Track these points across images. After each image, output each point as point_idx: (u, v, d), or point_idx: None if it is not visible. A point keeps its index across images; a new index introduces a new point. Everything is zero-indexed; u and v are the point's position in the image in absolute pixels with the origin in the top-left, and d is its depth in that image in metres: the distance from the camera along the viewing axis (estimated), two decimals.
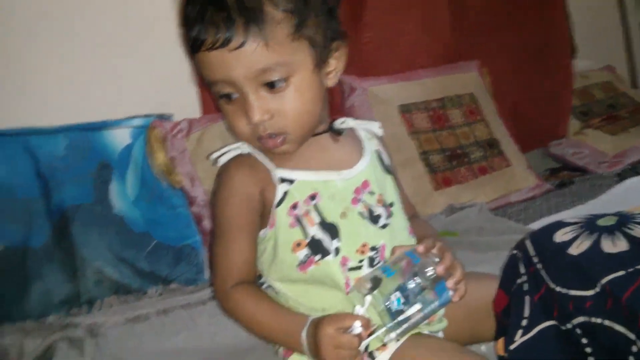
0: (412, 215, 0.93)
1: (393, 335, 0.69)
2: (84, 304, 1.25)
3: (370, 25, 1.79)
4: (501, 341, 0.69)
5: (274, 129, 0.76)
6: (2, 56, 1.32)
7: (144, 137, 1.38)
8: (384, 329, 0.68)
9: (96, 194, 1.30)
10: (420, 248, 0.73)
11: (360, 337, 0.67)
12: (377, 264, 0.78)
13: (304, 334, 0.71)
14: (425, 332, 0.77)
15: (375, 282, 0.70)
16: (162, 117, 1.43)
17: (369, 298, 0.70)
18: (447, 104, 1.78)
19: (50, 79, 1.36)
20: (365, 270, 0.77)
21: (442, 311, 0.80)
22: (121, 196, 1.33)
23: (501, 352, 0.69)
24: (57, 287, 1.26)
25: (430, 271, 0.70)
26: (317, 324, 0.70)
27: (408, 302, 0.68)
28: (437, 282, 0.70)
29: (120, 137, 1.35)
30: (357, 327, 0.67)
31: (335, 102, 1.66)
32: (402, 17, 1.84)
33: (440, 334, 0.81)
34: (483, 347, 0.82)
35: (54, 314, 1.22)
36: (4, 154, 1.26)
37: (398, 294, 0.68)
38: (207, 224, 1.35)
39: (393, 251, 0.77)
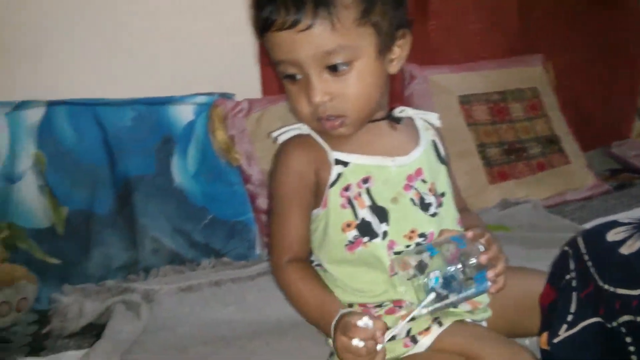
0: (463, 208, 0.93)
1: (424, 311, 0.70)
2: (141, 271, 1.31)
3: (436, 13, 1.77)
4: (545, 335, 0.70)
5: (333, 111, 0.77)
6: (77, 31, 1.39)
7: (207, 115, 1.42)
8: (413, 313, 0.70)
9: (158, 166, 1.36)
10: (469, 234, 0.74)
11: (369, 346, 0.68)
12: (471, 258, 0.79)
13: (333, 325, 0.73)
14: (468, 320, 0.78)
15: (419, 262, 0.72)
16: (225, 96, 1.47)
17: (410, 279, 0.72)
18: (509, 97, 1.75)
19: (120, 53, 1.42)
20: None
21: (487, 301, 0.81)
22: (182, 170, 1.38)
23: (544, 346, 0.69)
24: (117, 253, 1.33)
25: (473, 258, 0.71)
26: (336, 324, 0.72)
27: (445, 284, 0.70)
28: (479, 271, 0.71)
29: (184, 113, 1.40)
30: (358, 342, 0.67)
31: (396, 90, 1.66)
32: (469, 6, 1.81)
33: (484, 324, 0.82)
34: (527, 341, 0.82)
35: (113, 278, 1.29)
36: (75, 122, 1.33)
37: (438, 272, 0.70)
38: (260, 202, 1.39)
39: (441, 234, 0.78)
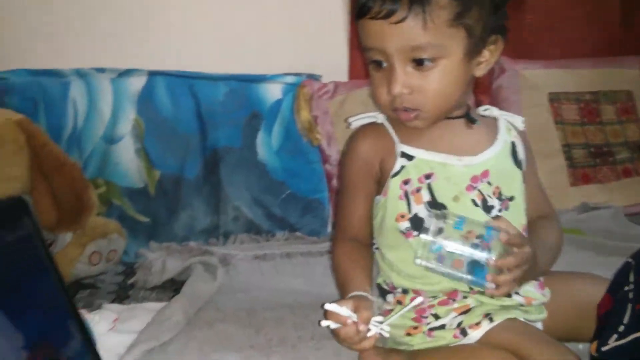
0: (543, 216, 0.92)
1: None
2: (221, 236, 1.41)
3: (535, 8, 1.73)
4: (595, 342, 0.70)
5: (410, 104, 0.79)
6: (181, 7, 1.48)
7: (294, 94, 1.48)
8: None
9: (245, 139, 1.44)
10: (504, 236, 0.74)
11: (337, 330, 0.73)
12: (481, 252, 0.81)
13: None
14: (521, 318, 0.79)
15: (439, 227, 0.75)
16: (312, 77, 1.53)
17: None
18: (601, 98, 1.69)
19: (217, 31, 1.51)
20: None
21: (543, 299, 0.82)
22: (266, 145, 1.45)
23: (593, 353, 0.70)
24: (200, 217, 1.43)
25: (483, 255, 0.73)
26: None
27: (443, 257, 0.74)
28: (482, 267, 0.73)
29: (272, 91, 1.47)
30: (325, 322, 0.73)
31: (484, 81, 1.65)
32: (569, 3, 1.76)
33: (539, 325, 0.83)
34: (580, 346, 0.82)
35: (195, 240, 1.39)
36: (172, 93, 1.43)
37: (445, 243, 0.74)
38: (336, 182, 1.44)
39: (500, 220, 0.79)
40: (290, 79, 1.49)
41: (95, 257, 1.28)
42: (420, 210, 0.82)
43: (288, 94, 1.47)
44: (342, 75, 1.59)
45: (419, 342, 0.81)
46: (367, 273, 0.85)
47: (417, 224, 0.82)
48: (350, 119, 0.90)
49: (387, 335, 0.74)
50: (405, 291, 0.85)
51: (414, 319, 0.83)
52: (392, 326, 0.84)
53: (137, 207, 1.42)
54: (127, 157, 1.41)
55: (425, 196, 0.82)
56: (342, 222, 0.90)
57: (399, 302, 0.86)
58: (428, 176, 0.83)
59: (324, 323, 0.74)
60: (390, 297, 0.87)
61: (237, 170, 1.43)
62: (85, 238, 1.28)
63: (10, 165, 1.15)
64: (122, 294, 1.19)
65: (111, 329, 0.93)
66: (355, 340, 0.73)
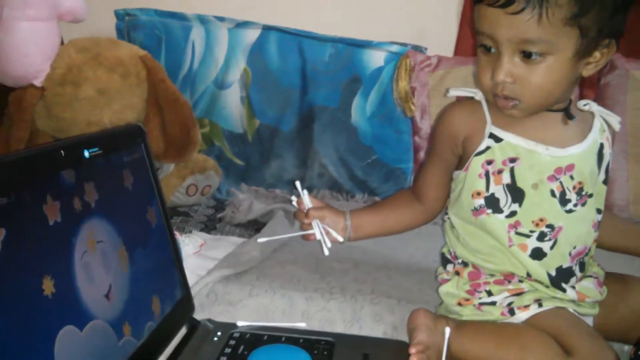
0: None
1: None
2: (305, 189, 1.49)
3: None
4: (635, 348, 0.72)
5: (510, 93, 0.80)
6: None
7: (395, 64, 1.52)
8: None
9: (341, 101, 1.50)
10: None
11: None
12: (547, 240, 0.84)
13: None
14: (571, 310, 0.82)
15: None
16: (417, 49, 1.55)
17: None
18: None
19: None
20: (531, 241, 0.84)
21: (598, 298, 0.85)
22: (360, 109, 1.51)
23: (632, 355, 0.72)
24: (289, 168, 1.53)
25: None
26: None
27: None
28: None
29: (375, 58, 1.52)
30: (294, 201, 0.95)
31: (592, 76, 1.60)
32: None
33: (590, 320, 0.85)
34: (626, 348, 0.84)
35: (280, 189, 1.49)
36: (281, 48, 1.51)
37: None
38: (422, 155, 1.48)
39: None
40: (395, 48, 1.52)
41: (192, 189, 1.41)
42: (498, 190, 0.85)
43: (390, 63, 1.51)
44: (448, 50, 1.61)
45: (468, 313, 0.87)
46: (379, 210, 0.97)
47: (492, 203, 0.86)
48: (451, 89, 0.93)
49: (329, 245, 0.91)
50: (465, 264, 0.90)
51: (468, 292, 0.88)
52: (447, 295, 0.91)
53: (234, 150, 1.54)
54: (232, 103, 1.52)
55: (506, 178, 0.85)
56: (418, 179, 0.97)
57: (457, 273, 0.91)
58: (513, 160, 0.85)
59: (293, 198, 0.96)
60: (450, 267, 0.93)
61: (329, 130, 1.50)
62: (186, 171, 1.41)
63: (132, 95, 1.28)
64: (210, 226, 1.31)
65: (196, 252, 1.04)
66: (302, 226, 0.93)
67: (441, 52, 1.56)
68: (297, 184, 0.94)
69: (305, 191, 0.94)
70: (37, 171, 0.58)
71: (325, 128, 1.50)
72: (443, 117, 0.92)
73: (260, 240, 0.97)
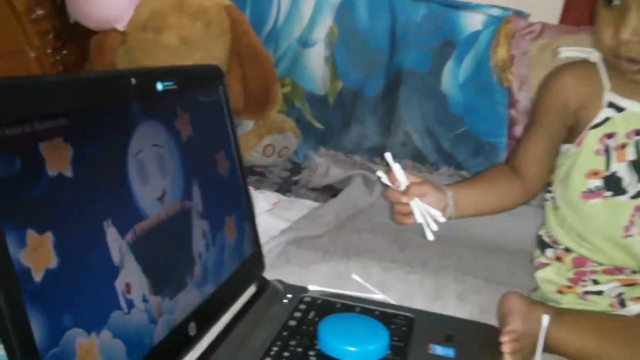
0: None
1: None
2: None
3: None
4: None
5: (636, 54, 0.70)
6: None
7: (494, 29, 1.39)
8: None
9: (432, 66, 1.40)
10: None
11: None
12: None
13: None
14: None
15: None
16: (519, 14, 1.42)
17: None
18: None
19: None
20: None
21: None
22: (452, 76, 1.40)
23: None
24: (370, 135, 1.44)
25: None
26: None
27: None
28: None
29: (472, 21, 1.39)
30: (382, 176, 0.77)
31: None
32: None
33: None
34: None
35: (360, 155, 1.41)
36: (371, 6, 1.41)
37: None
38: (517, 130, 1.36)
39: None
40: (495, 12, 1.39)
41: (269, 150, 1.36)
42: (621, 169, 0.74)
43: (489, 27, 1.39)
44: (553, 17, 1.46)
45: (569, 301, 0.76)
46: (476, 187, 0.83)
47: (612, 184, 0.74)
48: (562, 47, 0.82)
49: (434, 227, 0.75)
50: (568, 250, 0.79)
51: (571, 280, 0.77)
52: (544, 281, 0.80)
53: (314, 113, 1.47)
54: (315, 63, 1.44)
55: (630, 154, 0.74)
56: (516, 150, 0.85)
57: (558, 259, 0.80)
58: (639, 132, 0.74)
59: (378, 173, 0.78)
60: (549, 252, 0.82)
61: (416, 96, 1.40)
62: (264, 130, 1.35)
63: (214, 46, 1.24)
64: (285, 188, 1.25)
65: (269, 210, 0.99)
66: (395, 206, 0.77)
67: (545, 19, 1.42)
68: (388, 156, 0.78)
69: (397, 164, 0.78)
70: (105, 95, 0.53)
71: (412, 94, 1.40)
72: (551, 81, 0.81)
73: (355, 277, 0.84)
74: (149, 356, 0.53)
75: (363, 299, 0.77)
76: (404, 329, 0.70)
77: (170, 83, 0.63)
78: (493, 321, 0.75)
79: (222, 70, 0.75)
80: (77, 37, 1.24)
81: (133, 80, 0.57)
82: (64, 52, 1.23)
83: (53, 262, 0.43)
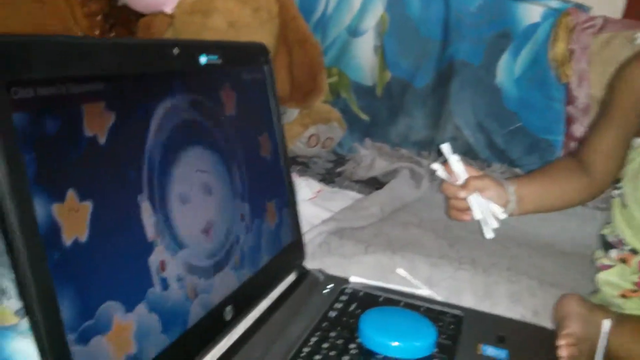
0: None
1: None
2: (434, 152, 1.36)
3: None
4: None
5: None
6: None
7: (553, 21, 1.32)
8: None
9: (486, 58, 1.34)
10: None
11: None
12: None
13: None
14: None
15: None
16: (580, 7, 1.35)
17: None
18: None
19: None
20: None
21: None
22: (507, 69, 1.34)
23: None
24: (418, 128, 1.39)
25: None
26: None
27: None
28: None
29: (531, 13, 1.33)
30: (438, 169, 0.73)
31: None
32: None
33: None
34: None
35: (407, 148, 1.36)
36: None
37: None
38: (575, 128, 1.29)
39: None
40: (554, 4, 1.33)
41: (313, 140, 1.33)
42: None
43: (547, 19, 1.32)
44: (616, 11, 1.38)
45: (632, 307, 0.70)
46: (539, 181, 0.77)
47: None
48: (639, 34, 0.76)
49: (494, 225, 0.71)
50: (635, 251, 0.73)
51: (637, 284, 0.71)
52: (606, 284, 0.75)
53: (361, 104, 1.43)
54: (364, 52, 1.40)
55: None
56: (583, 143, 0.79)
57: (623, 261, 0.74)
58: None
59: (434, 165, 0.74)
60: (614, 253, 0.76)
61: (468, 89, 1.34)
62: (309, 120, 1.32)
63: (262, 31, 1.21)
64: (328, 179, 1.22)
65: (312, 198, 0.95)
66: (451, 201, 0.73)
67: (607, 13, 1.34)
68: (445, 146, 0.72)
69: (456, 156, 0.73)
70: (143, 64, 0.50)
71: (465, 87, 1.34)
72: (626, 70, 0.75)
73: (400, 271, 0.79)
74: (183, 338, 0.50)
75: (408, 294, 0.72)
76: (452, 326, 0.65)
77: (215, 57, 0.60)
78: (547, 324, 0.70)
79: (269, 49, 0.72)
80: (125, 19, 1.23)
81: (176, 51, 0.54)
82: (112, 34, 1.23)
83: (86, 231, 0.40)
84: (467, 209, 0.71)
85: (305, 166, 1.28)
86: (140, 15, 1.22)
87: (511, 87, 1.33)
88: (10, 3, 0.97)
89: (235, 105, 0.63)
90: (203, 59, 0.58)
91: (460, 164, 0.72)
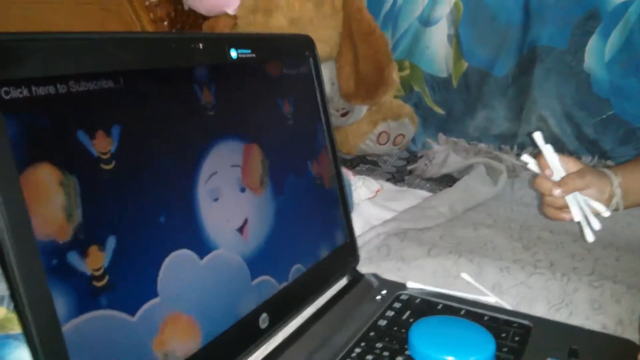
0: None
1: None
2: (516, 145, 1.26)
3: None
4: None
5: None
6: None
7: None
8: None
9: (572, 42, 1.22)
10: None
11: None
12: None
13: None
14: None
15: None
16: None
17: None
18: None
19: None
20: None
21: None
22: (596, 53, 1.21)
23: None
24: (498, 121, 1.30)
25: None
26: None
27: None
28: None
29: None
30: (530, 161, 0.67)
31: None
32: None
33: None
34: None
35: (486, 143, 1.28)
36: None
37: None
38: None
39: None
40: None
41: (383, 137, 1.27)
42: None
43: None
44: None
45: None
46: None
47: None
48: None
49: (596, 226, 0.63)
50: None
51: None
52: None
53: (435, 98, 1.36)
54: (437, 42, 1.33)
55: None
56: None
57: None
58: None
59: (524, 157, 0.69)
60: None
61: (553, 76, 1.23)
62: (378, 116, 1.27)
63: (325, 27, 1.17)
64: (398, 177, 1.16)
65: (371, 198, 0.90)
66: (546, 198, 0.66)
67: None
68: (538, 135, 0.66)
69: (550, 146, 0.67)
70: (160, 59, 0.47)
71: (549, 74, 1.23)
72: None
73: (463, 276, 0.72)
74: (211, 345, 0.47)
75: (471, 302, 0.66)
76: (517, 338, 0.58)
77: (247, 51, 0.57)
78: (632, 336, 0.61)
79: (313, 40, 0.68)
80: (191, 23, 1.24)
81: (200, 45, 0.52)
82: None
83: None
84: (565, 207, 0.65)
85: (374, 165, 1.23)
86: (206, 18, 1.22)
87: (601, 72, 1.20)
88: (74, 12, 0.99)
89: (272, 103, 0.60)
90: (234, 53, 0.56)
91: (555, 156, 0.66)
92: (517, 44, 1.26)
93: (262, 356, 0.54)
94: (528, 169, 0.71)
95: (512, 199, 1.02)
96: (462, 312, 0.63)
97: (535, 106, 1.25)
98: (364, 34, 1.16)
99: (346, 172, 0.87)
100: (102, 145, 0.40)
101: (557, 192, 0.64)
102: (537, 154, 0.67)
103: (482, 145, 1.24)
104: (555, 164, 0.66)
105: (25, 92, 0.36)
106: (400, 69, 1.35)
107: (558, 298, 0.70)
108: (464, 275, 0.73)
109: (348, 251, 0.70)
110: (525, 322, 0.61)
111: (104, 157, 0.40)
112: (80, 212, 0.37)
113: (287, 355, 0.55)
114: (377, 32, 1.17)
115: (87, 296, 0.37)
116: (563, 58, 1.23)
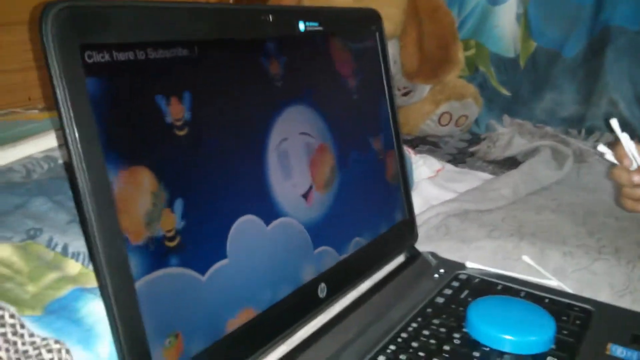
0: None
1: None
2: (584, 130, 1.22)
3: None
4: None
5: None
6: None
7: None
8: None
9: None
10: None
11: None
12: None
13: None
14: None
15: None
16: None
17: None
18: None
19: None
20: None
21: None
22: None
23: None
24: (567, 103, 1.26)
25: None
26: None
27: None
28: None
29: None
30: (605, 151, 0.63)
31: None
32: None
33: None
34: None
35: (553, 126, 1.24)
36: None
37: None
38: None
39: None
40: None
41: (445, 118, 1.26)
42: None
43: None
44: None
45: None
46: None
47: None
48: None
49: None
50: None
51: None
52: None
53: (501, 78, 1.32)
54: (506, 21, 1.30)
55: None
56: None
57: None
58: None
59: (601, 147, 0.64)
60: None
61: (626, 58, 1.18)
62: (441, 96, 1.25)
63: (389, 5, 1.16)
64: (459, 159, 1.14)
65: (431, 177, 0.89)
66: (625, 190, 0.63)
67: None
68: (614, 123, 0.63)
69: (626, 135, 0.63)
70: (233, 31, 0.48)
71: (621, 55, 1.19)
72: None
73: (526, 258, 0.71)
74: (272, 310, 0.48)
75: (532, 284, 0.65)
76: (577, 322, 0.57)
77: (315, 24, 0.58)
78: None
79: (379, 14, 0.68)
80: (257, 2, 1.25)
81: (270, 17, 0.52)
82: None
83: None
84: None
85: (434, 146, 1.21)
86: None
87: None
88: None
89: (338, 76, 0.60)
90: (301, 26, 0.56)
91: (632, 145, 0.62)
92: (589, 24, 1.21)
93: (319, 325, 0.55)
94: (598, 156, 0.68)
95: (578, 184, 0.99)
96: (522, 294, 0.62)
97: (605, 89, 1.20)
98: (430, 11, 1.14)
99: (407, 150, 0.87)
100: (176, 111, 0.41)
101: (636, 179, 0.61)
102: (613, 143, 0.64)
103: (549, 129, 1.21)
104: (634, 152, 0.62)
105: (107, 57, 0.38)
106: (466, 48, 1.32)
107: (622, 284, 0.68)
108: (525, 258, 0.72)
109: (407, 228, 0.70)
110: (587, 306, 0.60)
111: (178, 123, 0.41)
112: (155, 175, 0.39)
113: (344, 325, 0.56)
114: (443, 9, 1.15)
115: (159, 255, 0.39)
116: (636, 40, 1.18)
